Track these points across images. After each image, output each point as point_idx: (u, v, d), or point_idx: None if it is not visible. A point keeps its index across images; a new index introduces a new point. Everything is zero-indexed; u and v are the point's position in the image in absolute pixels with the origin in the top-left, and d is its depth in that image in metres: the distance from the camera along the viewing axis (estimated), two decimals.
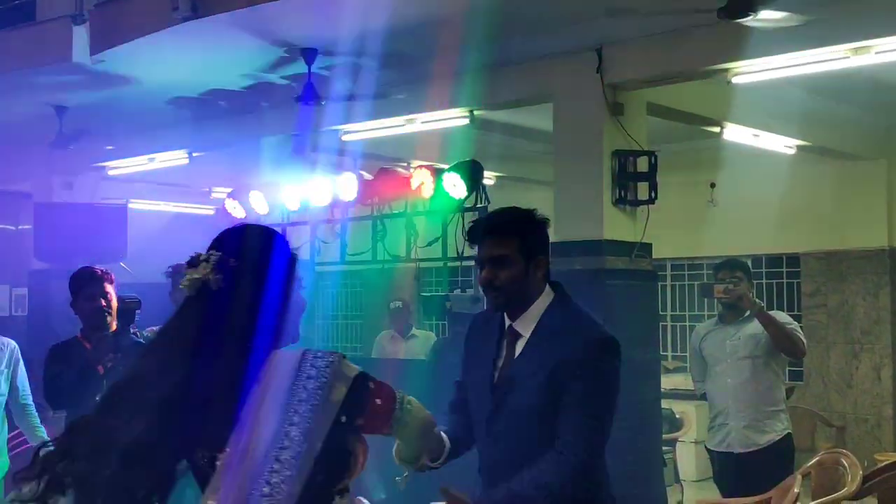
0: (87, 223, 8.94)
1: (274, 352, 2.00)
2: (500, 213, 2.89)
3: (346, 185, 6.73)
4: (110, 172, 9.45)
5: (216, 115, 7.82)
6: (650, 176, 6.10)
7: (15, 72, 6.95)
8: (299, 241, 7.27)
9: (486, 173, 6.99)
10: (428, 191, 6.33)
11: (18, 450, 6.25)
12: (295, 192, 6.98)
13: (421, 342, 7.56)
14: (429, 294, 7.04)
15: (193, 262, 2.06)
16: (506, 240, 2.76)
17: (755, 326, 5.38)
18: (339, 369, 1.96)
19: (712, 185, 9.25)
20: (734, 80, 5.86)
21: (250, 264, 2.06)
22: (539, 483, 2.60)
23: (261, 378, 1.94)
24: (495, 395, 2.79)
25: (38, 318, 8.67)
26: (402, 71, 6.44)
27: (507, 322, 2.84)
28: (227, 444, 1.88)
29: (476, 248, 2.84)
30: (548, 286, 2.83)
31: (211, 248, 2.09)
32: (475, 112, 6.79)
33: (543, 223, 2.85)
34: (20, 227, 10.98)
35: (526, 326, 2.79)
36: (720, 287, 5.45)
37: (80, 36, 6.30)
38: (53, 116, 7.89)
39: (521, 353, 2.79)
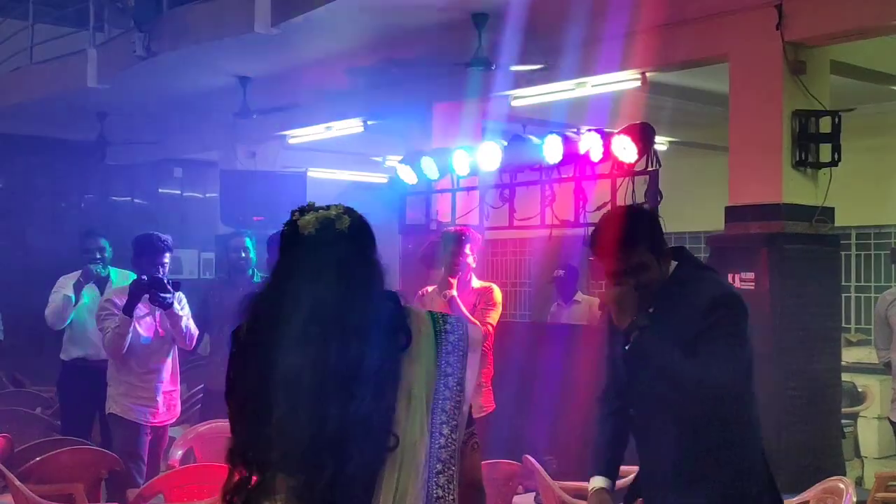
0: (269, 190, 9.36)
1: (405, 309, 2.02)
2: (613, 232, 2.95)
3: (515, 151, 6.74)
4: (290, 141, 9.84)
5: (389, 83, 8.00)
6: (833, 137, 5.82)
7: (201, 44, 7.32)
8: (469, 206, 7.38)
9: (658, 138, 6.85)
10: (597, 154, 6.27)
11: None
12: (465, 158, 7.06)
13: (583, 308, 7.51)
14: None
15: (307, 210, 2.02)
16: (636, 250, 2.87)
17: None
18: (471, 336, 2.03)
19: None
20: None
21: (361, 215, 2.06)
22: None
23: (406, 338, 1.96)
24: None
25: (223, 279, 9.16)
26: (572, 33, 6.38)
27: None
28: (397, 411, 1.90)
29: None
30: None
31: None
32: (647, 74, 6.66)
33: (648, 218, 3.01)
34: (207, 194, 11.60)
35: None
36: None
37: (262, 7, 6.55)
38: (237, 87, 8.27)
39: None
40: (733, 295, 2.83)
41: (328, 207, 2.04)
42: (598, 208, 6.58)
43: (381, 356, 1.92)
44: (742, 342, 2.72)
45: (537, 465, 4.51)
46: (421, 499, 1.91)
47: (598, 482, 2.92)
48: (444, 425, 1.95)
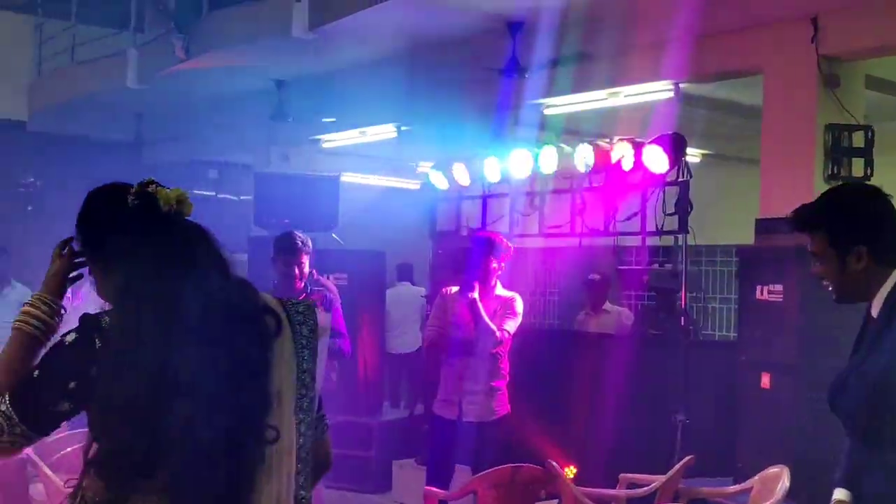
0: (302, 193, 9.38)
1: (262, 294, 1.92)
2: (807, 204, 2.59)
3: (546, 159, 6.76)
4: (324, 146, 9.92)
5: (423, 89, 8.05)
6: (866, 151, 5.81)
7: (238, 48, 7.42)
8: (499, 213, 7.41)
9: (690, 150, 6.84)
10: (628, 164, 6.28)
11: None
12: (496, 165, 7.09)
13: (612, 317, 7.50)
14: (626, 268, 6.99)
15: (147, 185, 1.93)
16: (813, 234, 2.54)
17: None
18: (320, 325, 1.96)
19: None
20: None
21: None
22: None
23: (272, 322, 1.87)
24: None
25: (256, 282, 9.24)
26: (605, 42, 6.40)
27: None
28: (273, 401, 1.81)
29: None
30: None
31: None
32: (681, 85, 6.66)
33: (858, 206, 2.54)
34: (242, 197, 11.70)
35: (875, 306, 2.53)
36: None
37: (300, 11, 6.63)
38: (273, 90, 8.36)
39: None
40: None
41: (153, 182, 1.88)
42: (628, 218, 6.60)
43: (264, 344, 1.81)
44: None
45: (560, 470, 4.53)
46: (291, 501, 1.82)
47: (837, 494, 2.69)
48: (303, 423, 1.89)
